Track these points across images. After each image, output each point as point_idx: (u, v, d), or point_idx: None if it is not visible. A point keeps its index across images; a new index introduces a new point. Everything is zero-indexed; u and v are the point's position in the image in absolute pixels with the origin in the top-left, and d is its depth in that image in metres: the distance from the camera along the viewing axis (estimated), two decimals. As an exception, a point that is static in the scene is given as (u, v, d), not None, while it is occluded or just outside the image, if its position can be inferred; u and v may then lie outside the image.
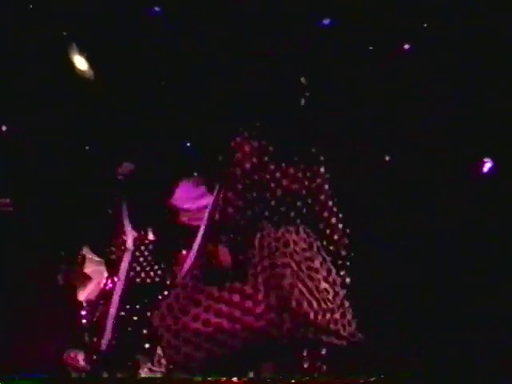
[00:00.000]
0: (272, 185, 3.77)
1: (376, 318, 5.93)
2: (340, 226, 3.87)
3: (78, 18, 6.37)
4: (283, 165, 3.80)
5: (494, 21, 6.13)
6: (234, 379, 3.43)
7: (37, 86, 6.32)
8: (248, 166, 3.75)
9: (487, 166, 6.55)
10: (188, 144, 6.94)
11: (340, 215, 3.89)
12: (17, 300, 5.80)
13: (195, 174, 6.04)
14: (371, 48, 6.58)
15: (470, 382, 5.72)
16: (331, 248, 3.85)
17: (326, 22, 6.50)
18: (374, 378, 3.59)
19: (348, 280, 3.85)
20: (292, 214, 3.80)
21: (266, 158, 3.78)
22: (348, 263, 3.85)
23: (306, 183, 3.83)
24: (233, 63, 6.62)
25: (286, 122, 3.80)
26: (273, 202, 3.77)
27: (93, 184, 6.03)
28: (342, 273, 3.84)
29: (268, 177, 3.76)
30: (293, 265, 3.63)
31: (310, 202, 3.84)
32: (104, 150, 6.46)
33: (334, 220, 3.86)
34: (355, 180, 6.37)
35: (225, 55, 6.62)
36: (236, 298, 3.56)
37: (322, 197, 3.88)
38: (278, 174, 3.79)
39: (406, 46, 6.47)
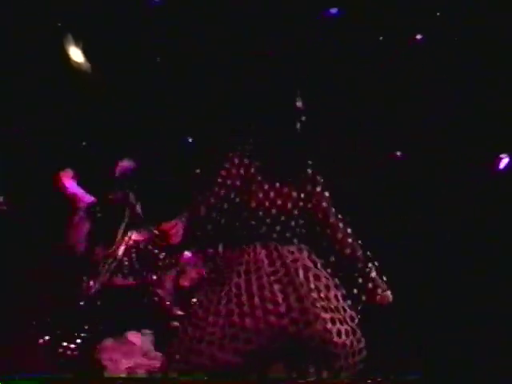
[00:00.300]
0: (267, 203, 3.79)
1: (376, 318, 5.93)
2: (349, 240, 3.85)
3: (78, 17, 6.38)
4: (277, 184, 3.82)
5: (493, 21, 6.14)
6: (238, 380, 3.46)
7: (37, 86, 6.32)
8: (234, 171, 3.78)
9: (504, 162, 6.54)
10: (190, 140, 6.96)
11: (349, 230, 3.86)
12: (17, 300, 5.80)
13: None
14: (370, 48, 6.58)
15: (470, 382, 5.73)
16: (344, 263, 3.84)
17: (334, 11, 6.49)
18: (380, 379, 3.60)
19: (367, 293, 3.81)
20: (289, 232, 3.81)
21: (259, 177, 3.80)
22: (367, 274, 3.81)
23: (301, 204, 3.84)
24: (232, 64, 6.64)
25: (282, 142, 3.81)
26: (268, 220, 3.79)
27: (93, 183, 6.03)
28: (361, 283, 3.81)
29: (261, 195, 3.79)
30: (307, 277, 3.67)
31: (306, 221, 3.84)
32: (104, 150, 6.47)
33: (339, 235, 3.84)
34: (355, 180, 6.38)
35: (224, 56, 6.63)
36: (256, 300, 3.59)
37: (320, 215, 3.88)
38: (272, 194, 3.81)
39: (419, 37, 6.46)
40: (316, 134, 3.96)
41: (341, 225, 3.86)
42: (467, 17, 6.28)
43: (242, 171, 3.80)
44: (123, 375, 5.12)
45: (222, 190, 3.76)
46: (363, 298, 3.81)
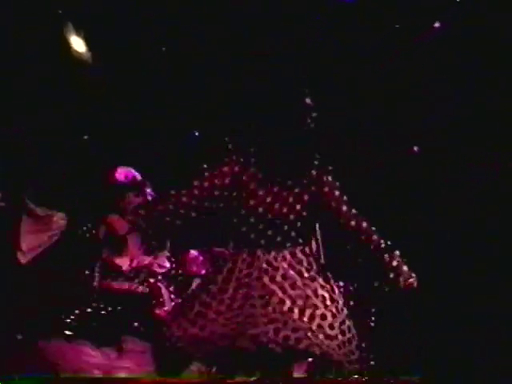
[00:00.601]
0: (260, 209, 3.76)
1: (376, 318, 5.94)
2: (362, 237, 3.78)
3: (78, 17, 6.39)
4: (275, 189, 3.79)
5: (494, 21, 6.15)
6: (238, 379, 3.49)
7: (37, 86, 6.32)
8: (218, 182, 3.77)
9: None
10: (196, 133, 6.96)
11: (364, 224, 3.82)
12: (17, 300, 5.79)
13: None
14: (369, 49, 6.59)
15: (470, 382, 5.73)
16: (356, 256, 3.83)
17: None
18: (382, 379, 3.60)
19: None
20: (281, 236, 3.79)
21: (252, 184, 3.78)
22: (386, 264, 3.78)
23: (301, 206, 3.81)
24: (232, 64, 6.64)
25: (283, 143, 3.78)
26: (261, 226, 3.75)
27: (93, 183, 6.03)
28: (383, 273, 3.79)
29: (252, 202, 3.76)
30: (284, 288, 3.67)
31: (305, 223, 3.82)
32: (104, 150, 6.47)
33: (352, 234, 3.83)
34: (355, 180, 6.37)
35: (224, 56, 6.64)
36: (214, 303, 3.67)
37: (329, 215, 3.82)
38: (269, 199, 3.78)
39: (437, 25, 6.43)
40: (318, 134, 3.93)
41: (353, 223, 3.80)
42: (468, 17, 6.29)
43: (227, 180, 3.76)
44: (123, 375, 5.12)
45: (202, 202, 3.76)
46: (386, 289, 3.78)
